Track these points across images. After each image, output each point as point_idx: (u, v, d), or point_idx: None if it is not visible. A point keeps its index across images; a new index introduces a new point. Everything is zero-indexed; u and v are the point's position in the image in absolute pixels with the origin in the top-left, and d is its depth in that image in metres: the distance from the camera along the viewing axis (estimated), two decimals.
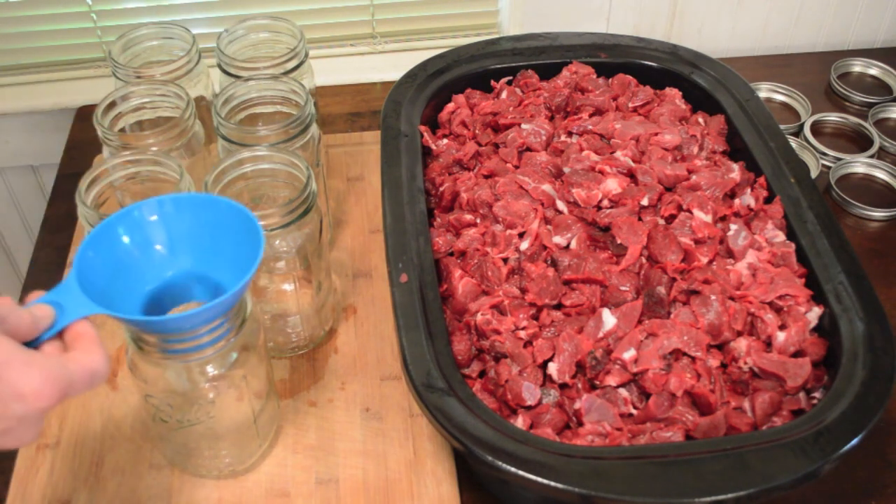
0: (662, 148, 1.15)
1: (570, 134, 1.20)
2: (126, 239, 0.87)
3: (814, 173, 1.43)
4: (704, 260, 1.01)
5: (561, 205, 1.09)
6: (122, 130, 1.16)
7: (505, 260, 1.04)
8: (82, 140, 1.55)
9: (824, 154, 1.47)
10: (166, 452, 1.05)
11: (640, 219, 1.06)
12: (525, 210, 1.08)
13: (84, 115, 1.60)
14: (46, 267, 1.31)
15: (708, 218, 1.05)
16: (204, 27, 1.61)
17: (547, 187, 1.10)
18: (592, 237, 1.06)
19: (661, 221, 1.07)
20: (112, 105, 1.14)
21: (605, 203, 1.08)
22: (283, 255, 1.05)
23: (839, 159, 1.46)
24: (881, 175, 1.45)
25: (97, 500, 1.02)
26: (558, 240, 1.05)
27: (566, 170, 1.12)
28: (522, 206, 1.08)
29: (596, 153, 1.14)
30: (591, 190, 1.08)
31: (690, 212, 1.06)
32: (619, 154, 1.14)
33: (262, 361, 0.98)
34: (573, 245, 1.05)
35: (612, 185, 1.08)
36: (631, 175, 1.11)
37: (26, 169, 1.76)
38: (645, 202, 1.07)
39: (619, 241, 1.03)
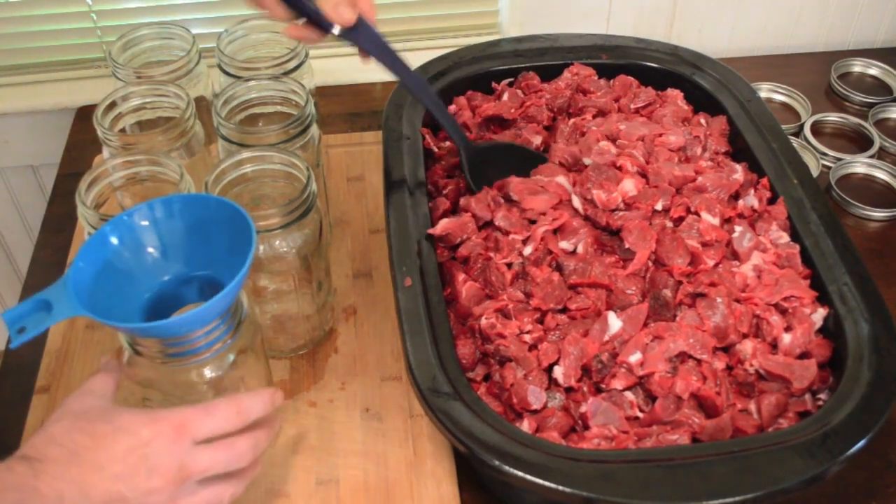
0: (667, 149, 1.15)
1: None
2: (119, 246, 0.87)
3: (814, 173, 1.43)
4: (711, 263, 1.01)
5: (577, 201, 1.08)
6: (122, 130, 1.16)
7: (509, 265, 1.04)
8: (82, 140, 1.54)
9: (824, 154, 1.47)
10: None
11: (650, 223, 1.06)
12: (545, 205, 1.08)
13: (84, 115, 1.60)
14: (46, 267, 1.31)
15: (716, 221, 1.05)
16: (204, 27, 1.61)
17: (562, 179, 1.10)
18: (599, 241, 1.05)
19: (670, 224, 1.06)
20: (112, 105, 1.14)
21: (620, 205, 1.07)
22: (283, 255, 1.05)
23: (839, 159, 1.46)
24: (881, 175, 1.45)
25: None
26: (564, 245, 1.05)
27: (586, 161, 1.11)
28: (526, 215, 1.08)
29: (613, 143, 1.14)
30: (610, 192, 1.06)
31: (698, 214, 1.06)
32: (632, 153, 1.13)
33: (259, 362, 0.98)
34: (579, 249, 1.04)
35: (629, 185, 1.07)
36: (644, 175, 1.11)
37: (26, 169, 1.75)
38: (659, 207, 1.06)
39: (627, 246, 1.03)
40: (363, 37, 1.01)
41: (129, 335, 0.88)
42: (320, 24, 0.98)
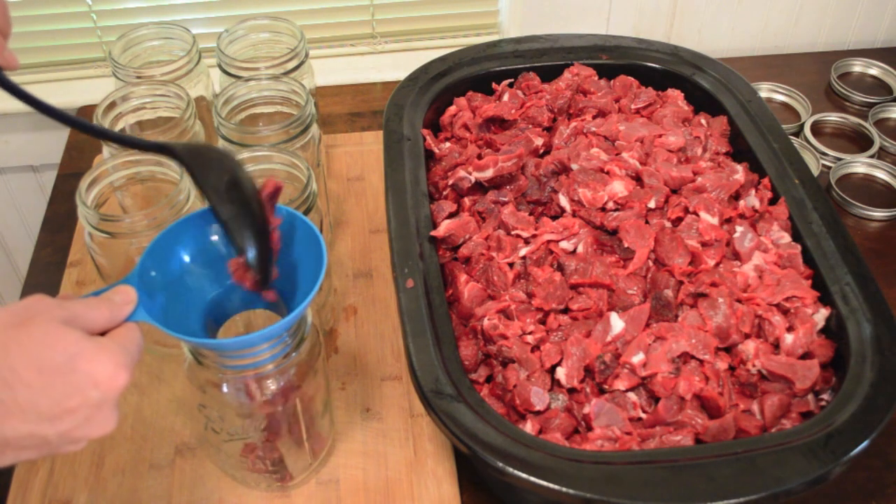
0: (667, 150, 1.15)
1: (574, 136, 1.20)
2: (189, 261, 0.86)
3: (814, 173, 1.43)
4: (711, 263, 1.01)
5: (563, 200, 1.09)
6: (122, 130, 1.16)
7: (511, 265, 1.04)
8: (82, 140, 1.54)
9: (824, 154, 1.47)
10: (217, 461, 1.04)
11: (646, 221, 1.06)
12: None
13: (84, 115, 1.59)
14: (46, 267, 1.31)
15: (715, 220, 1.05)
16: (204, 27, 1.61)
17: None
18: (599, 241, 1.05)
19: (668, 224, 1.06)
20: (112, 105, 1.14)
21: (611, 205, 1.08)
22: None
23: (839, 159, 1.46)
24: (881, 175, 1.46)
25: (97, 501, 1.02)
26: (565, 244, 1.05)
27: (574, 166, 1.12)
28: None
29: (605, 152, 1.14)
30: (596, 191, 1.07)
31: (697, 214, 1.06)
32: (625, 156, 1.13)
33: (318, 376, 0.97)
34: (580, 249, 1.04)
35: (619, 187, 1.07)
36: (637, 178, 1.11)
37: (26, 169, 1.75)
38: (652, 205, 1.07)
39: (626, 245, 1.03)
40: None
41: (192, 345, 0.88)
42: None
